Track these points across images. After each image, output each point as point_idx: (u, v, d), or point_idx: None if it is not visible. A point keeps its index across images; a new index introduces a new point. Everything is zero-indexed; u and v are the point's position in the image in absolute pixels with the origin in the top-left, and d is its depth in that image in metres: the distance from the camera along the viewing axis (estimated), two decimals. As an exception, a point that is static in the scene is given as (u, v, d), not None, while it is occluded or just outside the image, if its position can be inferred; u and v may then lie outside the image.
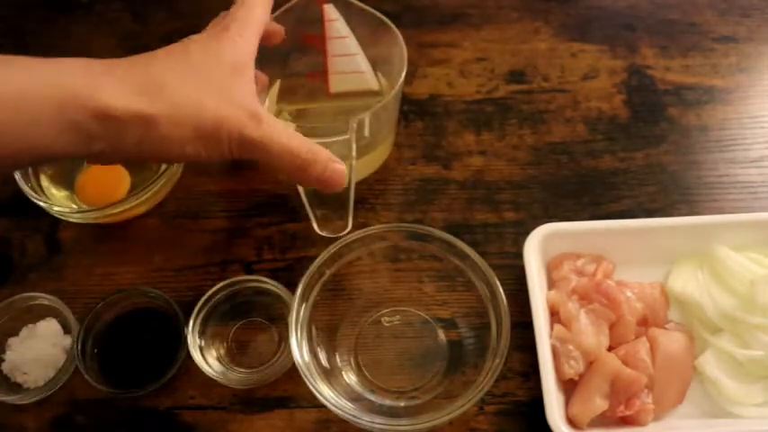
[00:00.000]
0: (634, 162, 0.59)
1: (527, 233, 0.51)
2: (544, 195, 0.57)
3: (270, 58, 0.46)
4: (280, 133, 0.38)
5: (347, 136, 0.46)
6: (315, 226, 0.50)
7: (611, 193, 0.57)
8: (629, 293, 0.49)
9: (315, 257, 0.47)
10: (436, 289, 0.51)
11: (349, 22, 0.52)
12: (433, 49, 0.66)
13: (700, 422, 0.46)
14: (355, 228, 0.49)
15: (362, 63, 0.54)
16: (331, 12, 0.51)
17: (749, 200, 0.57)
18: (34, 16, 0.70)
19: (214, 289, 0.51)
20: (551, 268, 0.51)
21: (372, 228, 0.48)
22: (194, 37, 0.40)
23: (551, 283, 0.51)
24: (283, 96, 0.56)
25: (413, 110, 0.62)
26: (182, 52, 0.38)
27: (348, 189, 0.47)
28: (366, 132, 0.49)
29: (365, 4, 0.52)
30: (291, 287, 0.48)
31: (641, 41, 0.66)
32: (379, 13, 0.51)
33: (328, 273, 0.48)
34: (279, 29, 0.47)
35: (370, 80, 0.55)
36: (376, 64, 0.55)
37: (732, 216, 0.53)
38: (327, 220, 0.50)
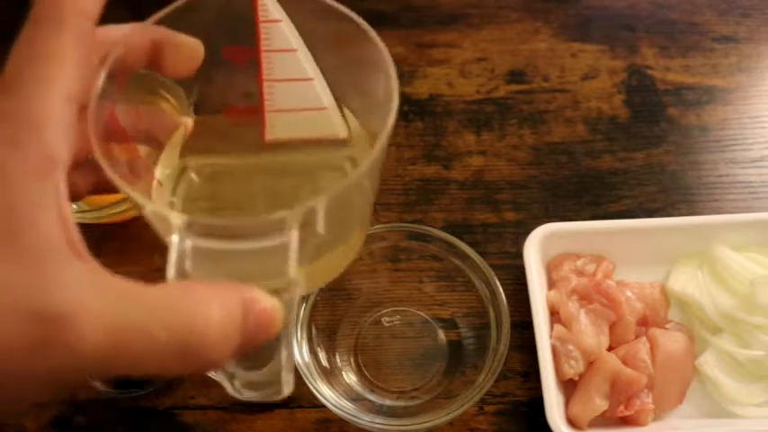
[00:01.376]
0: (634, 162, 0.59)
1: (527, 233, 0.51)
2: (544, 195, 0.57)
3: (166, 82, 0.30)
4: (120, 328, 0.20)
5: (283, 239, 0.25)
6: (228, 388, 0.30)
7: (611, 193, 0.57)
8: (629, 293, 0.49)
9: (315, 257, 0.47)
10: (436, 289, 0.51)
11: (300, 25, 0.31)
12: (432, 50, 0.66)
13: (700, 422, 0.46)
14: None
15: (321, 93, 0.33)
16: (270, 6, 0.30)
17: (749, 200, 0.57)
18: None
19: (214, 289, 0.50)
20: (551, 268, 0.51)
21: (372, 228, 0.48)
22: None
23: (551, 283, 0.51)
24: (191, 145, 0.33)
25: (413, 110, 0.62)
26: None
27: (285, 335, 0.27)
28: (320, 228, 0.27)
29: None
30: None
31: (641, 41, 0.66)
32: (352, 13, 0.30)
33: (328, 273, 0.48)
34: (193, 46, 0.29)
35: (334, 121, 0.33)
36: (344, 95, 0.33)
37: (732, 216, 0.53)
38: (251, 377, 0.30)
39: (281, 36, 0.31)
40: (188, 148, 0.33)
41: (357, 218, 0.33)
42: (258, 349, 0.26)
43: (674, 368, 0.47)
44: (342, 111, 0.34)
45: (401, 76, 0.63)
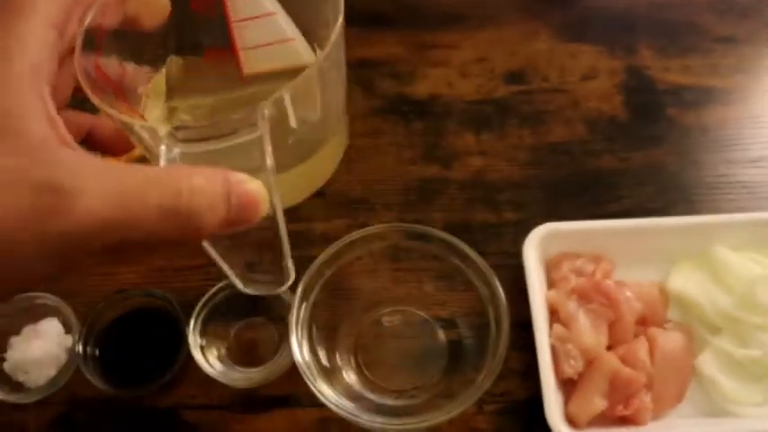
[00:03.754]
0: (633, 162, 0.59)
1: (526, 233, 0.51)
2: (543, 195, 0.57)
3: (143, 38, 0.34)
4: (116, 195, 0.23)
5: (257, 132, 0.28)
6: (238, 284, 0.35)
7: (610, 193, 0.57)
8: (628, 293, 0.49)
9: (315, 257, 0.47)
10: (436, 289, 0.51)
11: None
12: (432, 50, 0.66)
13: (698, 421, 0.47)
14: (355, 228, 0.49)
15: (286, 26, 0.36)
16: None
17: (748, 200, 0.57)
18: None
19: (215, 289, 0.51)
20: (550, 268, 0.51)
21: (372, 228, 0.48)
22: None
23: (551, 283, 0.51)
24: (176, 89, 0.38)
25: (413, 110, 0.62)
26: None
27: (274, 219, 0.30)
28: (292, 122, 0.32)
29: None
30: (292, 287, 0.48)
31: (640, 42, 0.66)
32: None
33: (328, 273, 0.48)
34: (160, 1, 0.33)
35: (301, 50, 0.37)
36: (310, 28, 0.38)
37: (731, 216, 0.53)
38: (255, 270, 0.34)
39: None
40: (173, 91, 0.36)
41: (329, 117, 0.36)
42: (260, 242, 0.30)
43: (673, 367, 0.47)
44: (311, 43, 0.37)
45: (401, 77, 0.64)
